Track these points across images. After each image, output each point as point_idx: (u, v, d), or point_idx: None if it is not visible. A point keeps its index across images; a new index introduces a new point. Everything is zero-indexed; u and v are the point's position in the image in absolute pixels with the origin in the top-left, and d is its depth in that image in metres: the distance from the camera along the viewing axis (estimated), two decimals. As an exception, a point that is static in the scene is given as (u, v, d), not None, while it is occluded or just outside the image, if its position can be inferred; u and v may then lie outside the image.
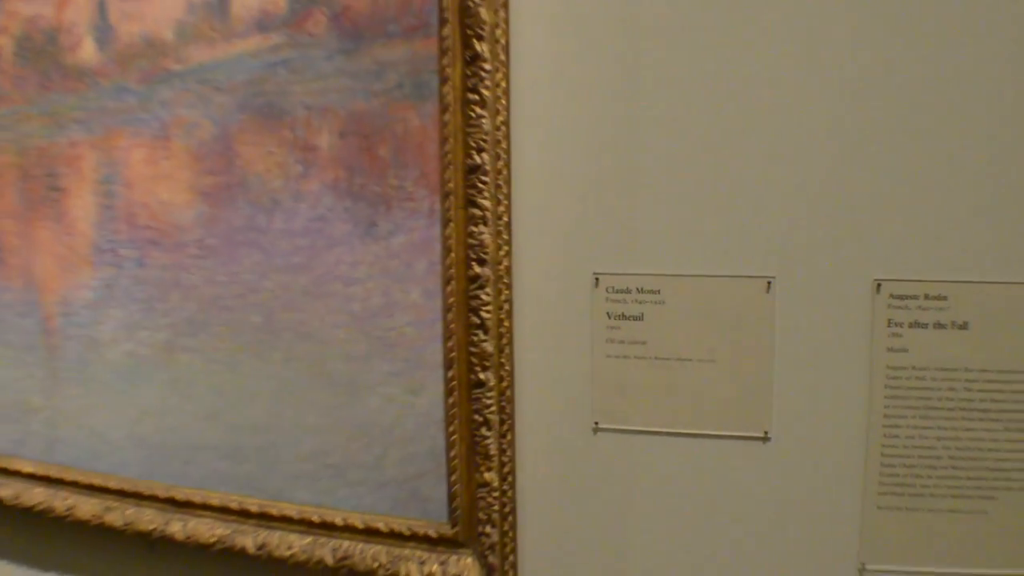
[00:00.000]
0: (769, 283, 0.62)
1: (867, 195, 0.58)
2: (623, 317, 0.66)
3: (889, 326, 0.58)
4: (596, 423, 0.68)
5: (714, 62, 0.61)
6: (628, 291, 0.66)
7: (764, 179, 0.60)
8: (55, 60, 0.85)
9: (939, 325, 0.57)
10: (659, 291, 0.65)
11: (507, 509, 0.70)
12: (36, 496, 0.94)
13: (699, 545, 0.66)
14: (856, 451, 0.60)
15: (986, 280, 0.56)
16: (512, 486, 0.70)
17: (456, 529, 0.71)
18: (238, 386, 0.78)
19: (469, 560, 0.71)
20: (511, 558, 0.70)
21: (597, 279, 0.67)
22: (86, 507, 0.89)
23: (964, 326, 0.57)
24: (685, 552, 0.67)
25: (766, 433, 0.63)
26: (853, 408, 0.60)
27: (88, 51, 0.83)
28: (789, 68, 0.59)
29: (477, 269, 0.67)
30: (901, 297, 0.58)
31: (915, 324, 0.58)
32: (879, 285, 0.58)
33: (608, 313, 0.67)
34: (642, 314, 0.66)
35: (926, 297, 0.57)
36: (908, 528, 0.58)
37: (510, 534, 0.70)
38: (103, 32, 0.82)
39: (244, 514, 0.81)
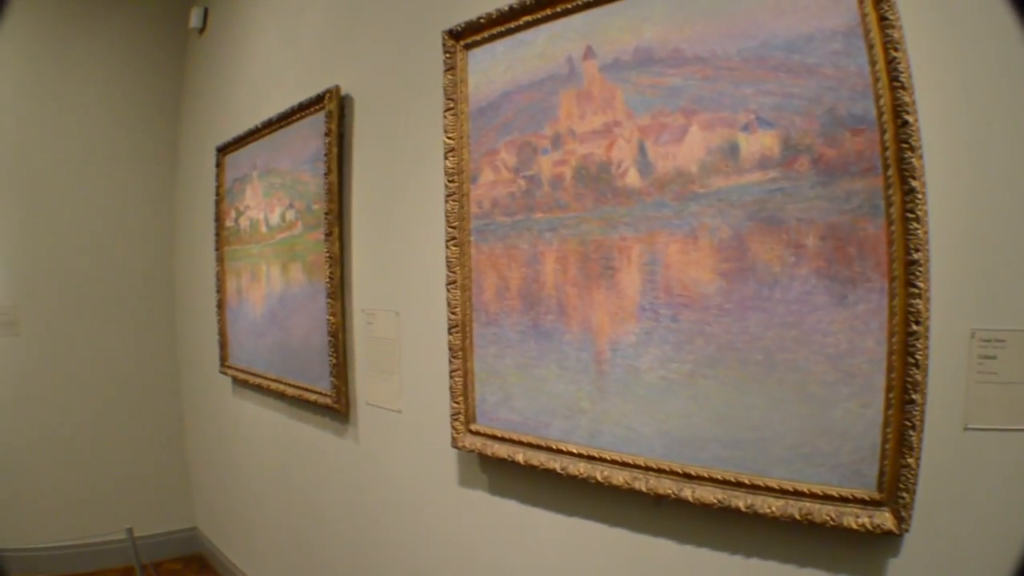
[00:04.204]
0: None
1: None
2: (986, 357, 1.20)
3: None
4: (967, 425, 1.23)
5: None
6: (989, 340, 1.20)
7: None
8: (608, 184, 1.61)
9: None
10: (1004, 340, 1.19)
11: (915, 481, 1.25)
12: (580, 468, 1.71)
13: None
14: None
15: None
16: (919, 465, 1.25)
17: (882, 494, 1.28)
18: (741, 400, 1.44)
19: (888, 514, 1.27)
20: (912, 511, 1.25)
21: (973, 332, 1.22)
22: (619, 477, 1.63)
23: None
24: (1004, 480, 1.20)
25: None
26: None
27: (633, 178, 1.56)
28: None
29: (914, 327, 1.23)
30: None
31: None
32: None
33: (977, 354, 1.21)
34: (996, 355, 1.19)
35: None
36: None
37: (914, 497, 1.25)
38: (644, 166, 1.55)
39: (738, 484, 1.46)
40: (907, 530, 1.25)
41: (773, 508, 1.40)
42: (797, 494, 1.37)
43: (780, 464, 1.40)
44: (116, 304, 4.67)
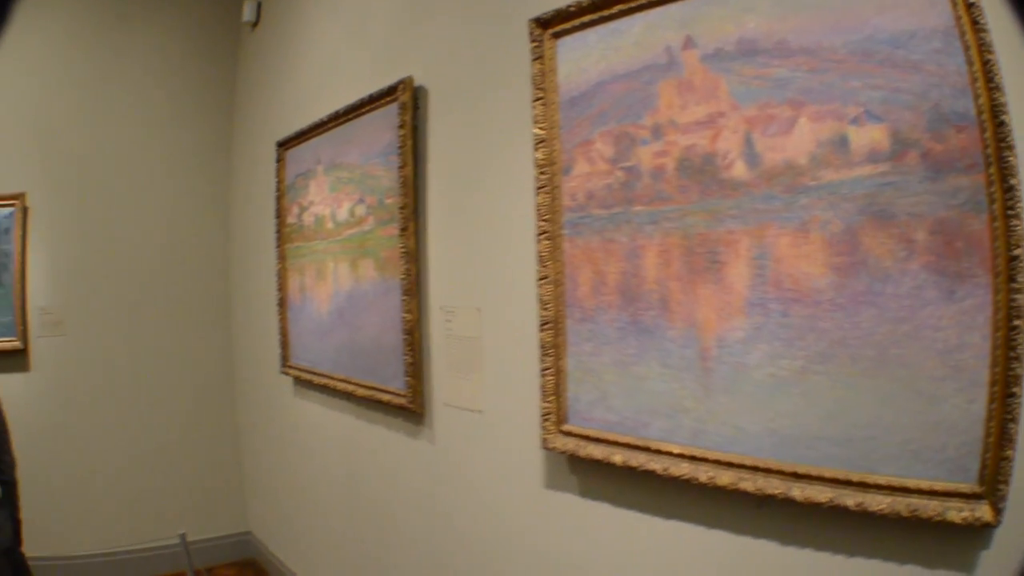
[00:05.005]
0: None
1: None
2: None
3: None
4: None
5: None
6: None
7: None
8: (713, 176, 1.70)
9: None
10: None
11: (1010, 473, 1.34)
12: (683, 469, 1.80)
13: None
14: None
15: None
16: (1013, 455, 1.34)
17: (983, 488, 1.37)
18: (853, 397, 1.52)
19: (987, 507, 1.36)
20: (1006, 503, 1.34)
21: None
22: (725, 477, 1.71)
23: None
24: None
25: None
26: None
27: (740, 170, 1.65)
28: None
29: (1015, 322, 1.33)
30: None
31: None
32: None
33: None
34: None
35: None
36: None
37: (1009, 489, 1.34)
38: (751, 157, 1.63)
39: (846, 483, 1.54)
40: (1001, 522, 1.36)
41: (883, 505, 1.49)
42: (905, 490, 1.47)
43: (890, 461, 1.49)
44: (168, 304, 4.89)
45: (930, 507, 1.42)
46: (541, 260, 2.15)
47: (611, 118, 1.96)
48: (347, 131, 3.38)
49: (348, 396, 3.44)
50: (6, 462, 2.94)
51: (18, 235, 4.47)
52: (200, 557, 4.46)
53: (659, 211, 1.84)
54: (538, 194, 2.15)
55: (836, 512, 1.56)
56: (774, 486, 1.64)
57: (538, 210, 2.15)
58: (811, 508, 1.60)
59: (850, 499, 1.53)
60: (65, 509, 4.59)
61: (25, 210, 4.49)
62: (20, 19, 4.46)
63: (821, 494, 1.57)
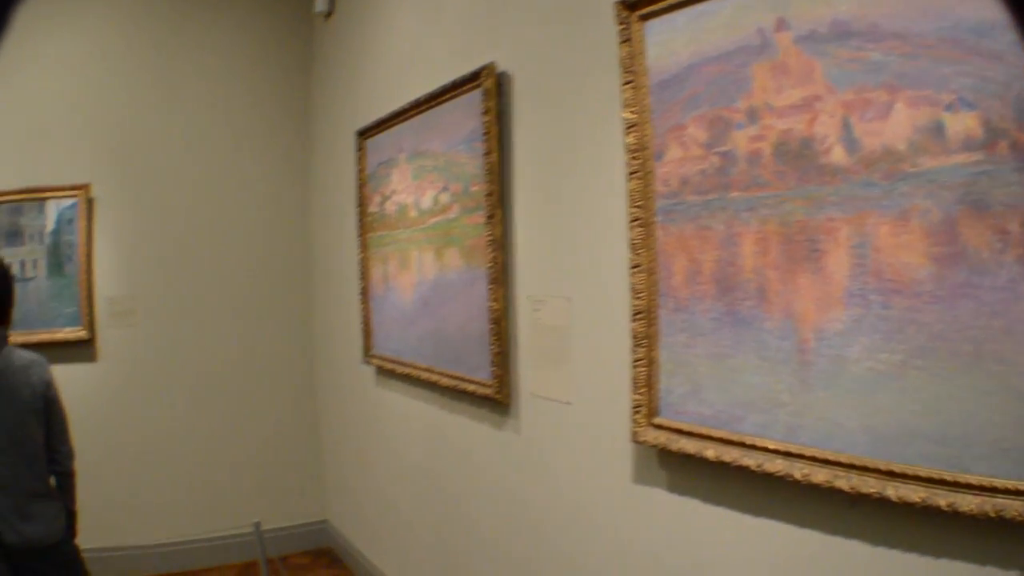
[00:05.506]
0: None
1: None
2: None
3: None
4: None
5: None
6: None
7: None
8: (811, 161, 1.74)
9: None
10: None
11: None
12: (777, 466, 1.84)
13: None
14: None
15: None
16: None
17: None
18: (950, 393, 1.56)
19: None
20: None
21: None
22: (820, 475, 1.75)
23: None
24: None
25: None
26: None
27: (839, 155, 1.69)
28: None
29: None
30: None
31: None
32: None
33: None
34: None
35: None
36: None
37: None
38: (849, 142, 1.67)
39: (940, 482, 1.57)
40: None
41: (971, 506, 1.52)
42: (994, 490, 1.49)
43: (982, 460, 1.51)
44: (244, 293, 5.13)
45: (1014, 507, 1.44)
46: (634, 248, 2.21)
47: (704, 101, 2.01)
48: (429, 119, 3.49)
49: (432, 386, 3.56)
50: (63, 452, 3.04)
51: (83, 226, 4.72)
52: (275, 545, 4.65)
53: (756, 197, 1.88)
54: (630, 180, 2.21)
55: (927, 512, 1.58)
56: (869, 485, 1.67)
57: (630, 196, 2.22)
58: (903, 508, 1.63)
59: (942, 499, 1.55)
60: (139, 498, 4.85)
61: (90, 201, 4.74)
62: (89, 8, 4.77)
63: (915, 493, 1.60)
